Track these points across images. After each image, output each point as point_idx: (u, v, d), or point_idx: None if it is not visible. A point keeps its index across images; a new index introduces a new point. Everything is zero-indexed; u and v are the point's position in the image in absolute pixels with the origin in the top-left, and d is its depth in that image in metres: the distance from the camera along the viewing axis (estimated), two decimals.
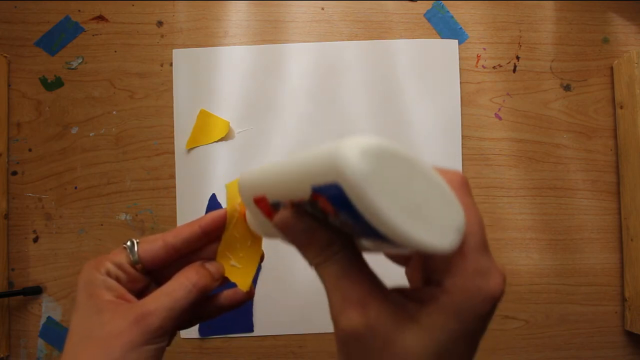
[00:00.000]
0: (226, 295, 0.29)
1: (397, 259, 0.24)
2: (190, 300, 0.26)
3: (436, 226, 0.16)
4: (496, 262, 0.19)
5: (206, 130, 0.51)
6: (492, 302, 0.18)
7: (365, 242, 0.19)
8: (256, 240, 0.28)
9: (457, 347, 0.18)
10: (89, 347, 0.24)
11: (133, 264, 0.26)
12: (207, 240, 0.28)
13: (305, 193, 0.17)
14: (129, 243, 0.26)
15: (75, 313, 0.25)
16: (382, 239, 0.16)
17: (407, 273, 0.24)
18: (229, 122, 0.51)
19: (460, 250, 0.18)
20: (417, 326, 0.18)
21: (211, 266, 0.28)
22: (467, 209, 0.18)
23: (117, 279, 0.26)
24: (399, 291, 0.20)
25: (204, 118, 0.51)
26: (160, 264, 0.27)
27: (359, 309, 0.18)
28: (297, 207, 0.19)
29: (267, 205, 0.20)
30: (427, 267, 0.20)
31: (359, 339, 0.18)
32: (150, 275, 0.28)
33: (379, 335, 0.18)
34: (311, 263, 0.20)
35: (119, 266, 0.26)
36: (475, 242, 0.18)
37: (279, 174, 0.19)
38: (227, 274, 0.28)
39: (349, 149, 0.15)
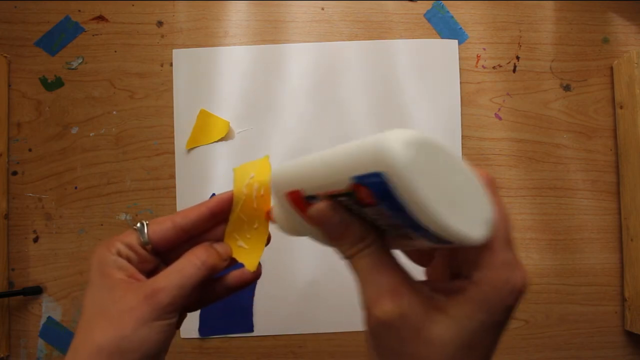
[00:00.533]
0: (234, 275, 0.30)
1: (418, 259, 0.25)
2: (199, 277, 0.26)
3: (468, 218, 0.17)
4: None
5: (206, 130, 0.51)
6: (518, 294, 0.19)
7: (394, 237, 0.20)
8: (263, 222, 0.28)
9: (484, 337, 0.19)
10: (102, 322, 0.24)
11: (143, 245, 0.27)
12: (215, 222, 0.29)
13: (344, 184, 0.18)
14: (139, 225, 0.27)
15: (88, 291, 0.26)
16: (417, 230, 0.17)
17: (427, 272, 0.24)
18: (229, 122, 0.51)
19: (488, 245, 0.18)
20: (447, 316, 0.18)
21: (219, 247, 0.28)
22: (495, 206, 0.19)
23: (128, 259, 0.27)
24: (426, 284, 0.20)
25: (204, 118, 0.51)
26: (169, 245, 0.28)
27: (393, 298, 0.18)
28: (333, 200, 0.19)
29: (300, 200, 0.21)
30: (454, 262, 0.21)
31: (391, 328, 0.18)
32: (159, 256, 0.28)
33: (410, 325, 0.18)
34: (344, 255, 0.20)
35: (130, 247, 0.27)
36: (502, 237, 0.19)
37: (317, 166, 0.20)
38: (234, 255, 0.29)
39: (394, 139, 0.16)
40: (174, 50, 0.51)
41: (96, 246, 0.27)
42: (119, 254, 0.26)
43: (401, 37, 0.52)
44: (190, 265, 0.26)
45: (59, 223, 0.51)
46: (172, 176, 0.51)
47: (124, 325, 0.24)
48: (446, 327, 0.18)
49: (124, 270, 0.26)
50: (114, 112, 0.51)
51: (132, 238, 0.27)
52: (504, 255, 0.19)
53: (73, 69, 0.52)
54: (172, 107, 0.51)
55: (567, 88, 0.53)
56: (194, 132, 0.51)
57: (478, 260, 0.19)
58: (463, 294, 0.19)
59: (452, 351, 0.18)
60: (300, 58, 0.52)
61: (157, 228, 0.27)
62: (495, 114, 0.53)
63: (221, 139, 0.51)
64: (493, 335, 0.19)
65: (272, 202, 0.28)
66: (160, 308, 0.25)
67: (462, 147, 0.52)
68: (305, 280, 0.50)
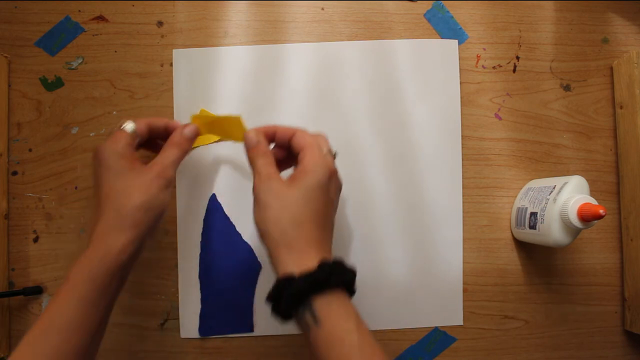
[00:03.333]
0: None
1: (281, 166, 0.43)
2: (183, 154, 0.42)
3: None
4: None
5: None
6: (327, 170, 0.37)
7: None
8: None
9: (312, 194, 0.36)
10: (134, 191, 0.37)
11: (134, 139, 0.40)
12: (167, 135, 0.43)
13: None
14: (130, 126, 0.40)
15: (105, 174, 0.37)
16: None
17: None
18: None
19: (308, 147, 0.39)
20: (292, 186, 0.36)
21: (186, 129, 0.43)
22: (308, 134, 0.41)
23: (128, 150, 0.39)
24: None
25: (204, 118, 0.51)
26: (145, 138, 0.42)
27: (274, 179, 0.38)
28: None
29: None
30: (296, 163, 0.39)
31: (266, 190, 0.37)
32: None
33: (275, 190, 0.36)
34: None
35: (128, 142, 0.39)
36: (316, 144, 0.39)
37: None
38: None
39: None
40: (174, 51, 0.51)
41: (101, 144, 0.39)
42: (126, 146, 0.39)
43: (401, 37, 0.52)
44: (176, 146, 0.41)
45: (59, 223, 0.51)
46: None
47: (151, 192, 0.37)
48: (293, 190, 0.36)
49: (131, 157, 0.39)
50: (114, 112, 0.51)
51: (127, 135, 0.39)
52: (319, 154, 0.38)
53: (73, 69, 0.52)
54: (172, 107, 0.51)
55: (567, 88, 0.53)
56: None
57: (303, 156, 0.38)
58: (297, 172, 0.37)
59: (298, 201, 0.35)
60: (300, 58, 0.52)
61: (138, 126, 0.41)
62: (495, 114, 0.53)
63: (221, 139, 0.51)
64: (319, 193, 0.36)
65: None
66: (167, 180, 0.39)
67: (462, 147, 0.52)
68: None
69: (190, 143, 0.42)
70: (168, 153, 0.40)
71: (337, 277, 0.33)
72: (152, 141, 0.44)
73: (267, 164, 0.38)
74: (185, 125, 0.43)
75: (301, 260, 0.34)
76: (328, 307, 0.32)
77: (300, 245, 0.34)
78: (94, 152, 0.39)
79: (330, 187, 0.37)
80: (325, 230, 0.37)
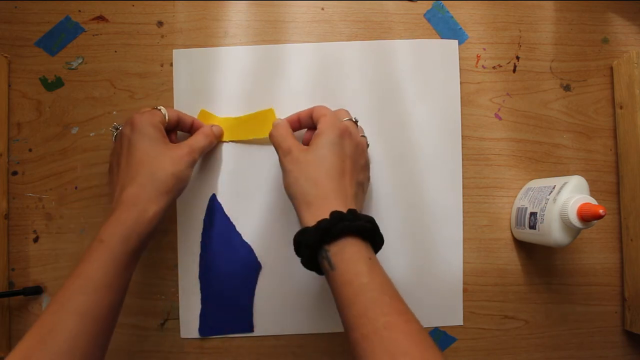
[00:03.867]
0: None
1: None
2: (211, 144, 0.47)
3: None
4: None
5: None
6: (337, 130, 0.41)
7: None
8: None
9: (325, 152, 0.40)
10: (166, 162, 0.41)
11: (164, 122, 0.44)
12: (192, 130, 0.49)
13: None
14: (163, 110, 0.44)
15: (142, 140, 0.41)
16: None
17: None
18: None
19: (323, 114, 0.43)
20: (309, 150, 0.40)
21: (214, 127, 0.49)
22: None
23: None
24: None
25: (204, 118, 0.51)
26: (172, 125, 0.46)
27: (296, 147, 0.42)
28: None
29: None
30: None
31: (291, 157, 0.41)
32: None
33: (296, 155, 0.41)
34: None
35: (161, 120, 0.43)
36: (331, 113, 0.44)
37: None
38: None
39: None
40: (174, 51, 0.51)
41: (141, 114, 0.42)
42: (161, 122, 0.43)
43: (401, 37, 0.52)
44: (205, 136, 0.46)
45: (60, 223, 0.51)
46: None
47: (180, 165, 0.41)
48: (308, 153, 0.40)
49: (163, 132, 0.43)
50: (114, 112, 0.51)
51: (162, 115, 0.44)
52: (331, 118, 0.42)
53: (73, 69, 0.52)
54: (173, 107, 0.51)
55: (567, 88, 0.53)
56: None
57: (317, 124, 0.42)
58: (312, 138, 0.42)
59: (314, 162, 0.39)
60: (300, 58, 0.52)
61: (169, 113, 0.45)
62: (495, 114, 0.53)
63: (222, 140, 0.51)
64: (330, 150, 0.40)
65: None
66: (194, 160, 0.44)
67: (462, 147, 0.52)
68: (306, 281, 0.50)
69: (216, 139, 0.48)
70: (198, 139, 0.45)
71: (345, 224, 0.35)
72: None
73: (285, 139, 0.42)
74: (213, 125, 0.49)
75: (318, 214, 0.36)
76: (341, 253, 0.35)
77: (317, 201, 0.37)
78: (129, 120, 0.42)
79: (344, 144, 0.40)
80: (342, 184, 0.39)
